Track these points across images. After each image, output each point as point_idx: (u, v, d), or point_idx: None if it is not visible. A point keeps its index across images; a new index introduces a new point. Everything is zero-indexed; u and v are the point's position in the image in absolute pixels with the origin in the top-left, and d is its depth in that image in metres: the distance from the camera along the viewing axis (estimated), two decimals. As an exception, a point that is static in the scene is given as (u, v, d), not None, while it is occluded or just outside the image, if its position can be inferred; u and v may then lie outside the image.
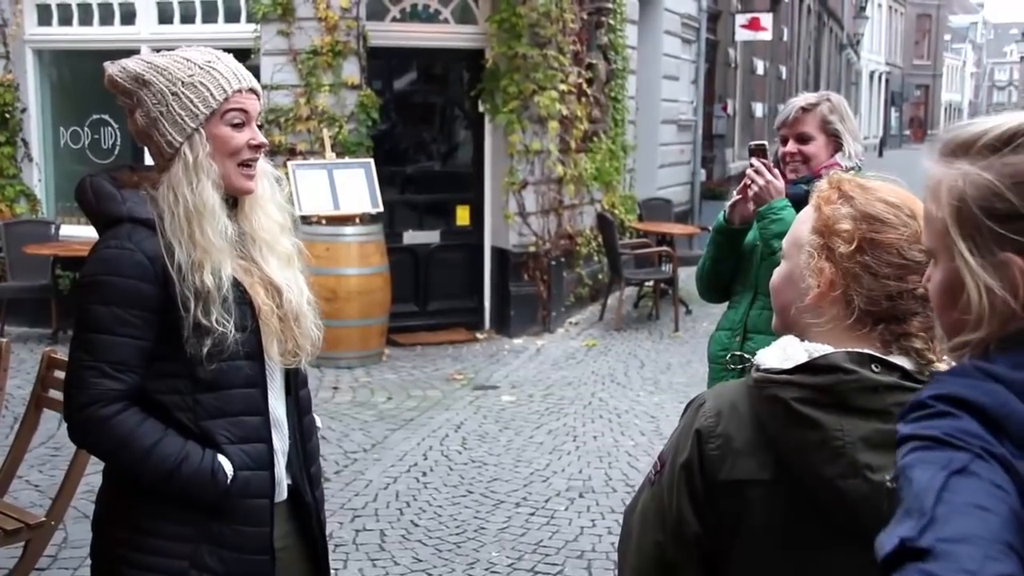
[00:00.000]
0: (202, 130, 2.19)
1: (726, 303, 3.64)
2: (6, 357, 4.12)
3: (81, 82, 9.78)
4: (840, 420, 1.45)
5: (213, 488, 2.16)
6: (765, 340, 3.36)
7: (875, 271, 1.53)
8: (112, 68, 2.24)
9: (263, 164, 2.33)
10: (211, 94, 2.19)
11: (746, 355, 1.63)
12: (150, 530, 2.19)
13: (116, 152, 9.38)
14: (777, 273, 1.69)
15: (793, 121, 3.49)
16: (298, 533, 2.43)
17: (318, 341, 2.37)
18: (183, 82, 2.18)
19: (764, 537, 1.53)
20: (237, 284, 2.21)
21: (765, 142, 3.49)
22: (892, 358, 1.51)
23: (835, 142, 3.50)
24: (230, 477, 2.18)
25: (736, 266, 3.55)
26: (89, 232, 10.39)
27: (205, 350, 2.13)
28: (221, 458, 2.18)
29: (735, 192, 3.50)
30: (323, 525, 2.50)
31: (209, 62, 2.22)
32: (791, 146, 3.50)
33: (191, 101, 2.18)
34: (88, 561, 4.61)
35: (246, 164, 2.26)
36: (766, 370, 1.53)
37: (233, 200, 2.30)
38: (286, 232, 2.37)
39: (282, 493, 2.35)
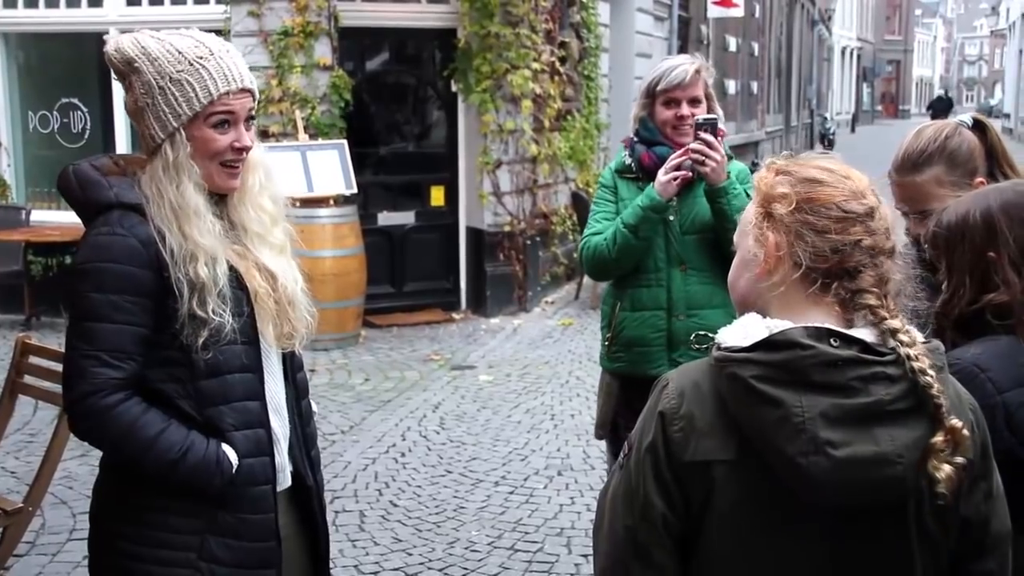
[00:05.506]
0: (183, 131, 2.14)
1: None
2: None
3: (49, 66, 9.67)
4: (799, 396, 1.46)
5: (219, 477, 2.14)
6: (713, 314, 3.39)
7: (816, 226, 1.54)
8: (109, 46, 2.19)
9: (257, 155, 2.28)
10: (196, 95, 2.13)
11: (710, 334, 1.64)
12: (156, 523, 2.16)
13: (86, 136, 9.25)
14: (733, 263, 1.70)
15: (690, 83, 3.44)
16: (300, 520, 2.42)
17: (311, 326, 2.35)
18: (171, 77, 2.13)
19: (730, 517, 1.54)
20: (232, 269, 2.18)
21: (715, 117, 3.41)
22: (852, 331, 1.52)
23: (710, 106, 3.51)
24: (235, 466, 2.16)
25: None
26: (61, 217, 10.25)
27: (201, 340, 2.10)
28: (225, 447, 2.16)
29: (667, 167, 3.39)
30: (324, 508, 2.49)
31: (201, 58, 2.14)
32: (686, 109, 3.45)
33: (175, 99, 2.13)
34: (67, 546, 4.63)
35: (229, 164, 2.21)
36: (726, 348, 1.54)
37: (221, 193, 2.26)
38: (278, 222, 2.33)
39: (286, 480, 2.33)
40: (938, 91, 59.53)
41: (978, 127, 2.65)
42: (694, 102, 3.46)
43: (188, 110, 2.14)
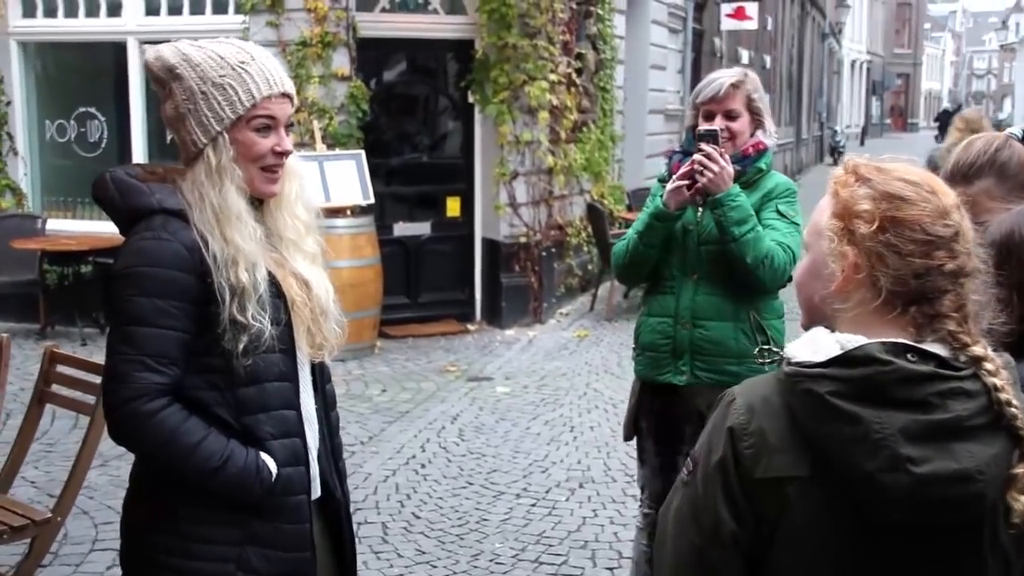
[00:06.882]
0: (226, 134, 2.14)
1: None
2: (6, 353, 4.07)
3: (67, 75, 9.69)
4: (878, 413, 1.42)
5: (258, 486, 2.12)
6: (719, 327, 3.43)
7: (899, 249, 1.49)
8: (149, 54, 2.19)
9: (293, 163, 2.27)
10: (239, 99, 2.13)
11: (774, 348, 1.61)
12: (193, 535, 2.14)
13: (103, 146, 9.28)
14: (800, 266, 1.66)
15: (724, 97, 3.45)
16: (327, 530, 2.40)
17: (340, 337, 2.34)
18: (213, 82, 2.12)
19: (803, 535, 1.50)
20: (271, 277, 2.17)
21: (717, 128, 3.42)
22: (926, 346, 1.48)
23: (756, 120, 3.52)
24: (274, 475, 2.14)
25: (665, 250, 3.52)
26: (77, 226, 10.17)
27: (242, 346, 2.08)
28: (264, 456, 2.14)
29: (675, 177, 3.44)
30: (351, 519, 2.48)
31: (243, 63, 2.15)
32: (719, 122, 3.46)
33: (218, 103, 2.13)
34: (90, 557, 4.61)
35: (270, 169, 2.20)
36: (797, 363, 1.50)
37: (259, 199, 2.25)
38: (311, 231, 2.32)
39: (317, 490, 2.32)
40: (945, 104, 59.56)
41: None
42: (730, 115, 3.46)
43: (231, 113, 2.13)
